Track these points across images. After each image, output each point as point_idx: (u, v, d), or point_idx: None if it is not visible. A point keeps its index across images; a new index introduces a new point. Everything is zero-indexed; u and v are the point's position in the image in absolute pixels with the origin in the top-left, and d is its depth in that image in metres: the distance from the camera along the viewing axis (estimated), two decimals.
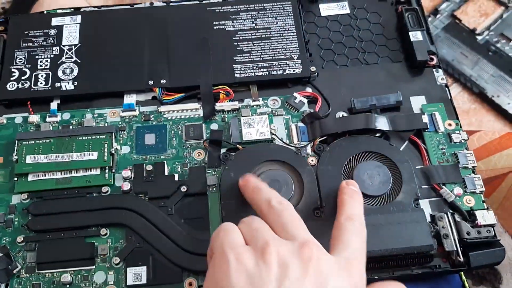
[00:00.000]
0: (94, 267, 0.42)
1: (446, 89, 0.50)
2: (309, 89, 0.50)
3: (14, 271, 0.42)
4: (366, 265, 0.40)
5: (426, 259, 0.42)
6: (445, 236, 0.42)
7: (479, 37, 0.66)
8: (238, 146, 0.46)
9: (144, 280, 0.41)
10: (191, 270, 0.41)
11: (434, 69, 0.52)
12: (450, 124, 0.48)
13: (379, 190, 0.43)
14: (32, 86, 0.50)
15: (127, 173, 0.45)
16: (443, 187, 0.44)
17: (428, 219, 0.43)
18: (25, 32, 0.53)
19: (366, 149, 0.45)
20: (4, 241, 0.43)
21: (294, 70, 0.50)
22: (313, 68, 0.50)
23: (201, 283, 0.41)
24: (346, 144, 0.46)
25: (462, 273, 0.46)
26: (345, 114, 0.48)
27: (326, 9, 0.56)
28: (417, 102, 0.50)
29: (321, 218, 0.42)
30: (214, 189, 0.45)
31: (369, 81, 0.51)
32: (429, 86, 0.51)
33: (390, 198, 0.43)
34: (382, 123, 0.46)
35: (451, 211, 0.43)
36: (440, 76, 0.51)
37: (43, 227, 0.43)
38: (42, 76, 0.50)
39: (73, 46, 0.52)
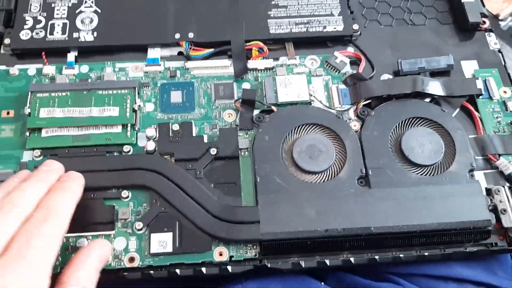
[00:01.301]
0: (113, 232, 0.38)
1: (500, 54, 0.46)
2: (350, 49, 0.46)
3: None
4: (416, 240, 0.37)
5: (482, 235, 0.38)
6: (503, 211, 0.38)
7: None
8: (272, 107, 0.42)
9: (169, 248, 0.37)
10: (222, 238, 0.37)
11: (486, 33, 0.47)
12: (505, 92, 0.44)
13: (430, 159, 0.39)
14: (48, 35, 0.45)
15: (151, 131, 0.41)
16: (500, 158, 0.40)
17: (484, 192, 0.39)
18: None
19: (415, 115, 0.41)
20: None
21: (334, 28, 0.46)
22: (355, 26, 0.46)
23: (233, 252, 0.37)
24: (393, 109, 0.41)
25: None
26: (390, 77, 0.44)
27: None
28: (469, 67, 0.45)
29: (366, 188, 0.38)
30: (246, 153, 0.41)
31: (416, 43, 0.47)
32: (481, 51, 0.47)
33: (442, 168, 0.39)
34: (433, 86, 0.42)
35: (508, 185, 0.39)
36: (493, 40, 0.47)
37: None
38: (58, 25, 0.46)
39: None
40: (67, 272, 0.29)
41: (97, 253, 0.32)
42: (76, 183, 0.35)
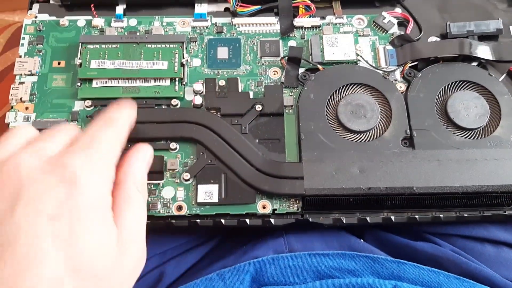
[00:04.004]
0: (162, 181, 0.39)
1: None
2: (398, 10, 0.45)
3: None
4: (456, 201, 0.38)
5: None
6: None
7: None
8: (318, 66, 0.42)
9: (215, 199, 0.38)
10: (266, 192, 0.38)
11: None
12: None
13: (475, 122, 0.39)
14: None
15: (198, 86, 0.42)
16: None
17: None
18: None
19: (462, 78, 0.41)
20: None
21: None
22: None
23: (276, 206, 0.38)
24: (440, 71, 0.41)
25: None
26: (438, 39, 0.44)
27: None
28: None
29: (410, 149, 0.39)
30: (291, 110, 0.41)
31: (465, 6, 0.46)
32: None
33: (487, 132, 0.39)
34: (481, 50, 0.42)
35: None
36: None
37: None
38: None
39: None
40: (122, 169, 0.29)
41: (144, 157, 0.32)
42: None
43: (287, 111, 0.41)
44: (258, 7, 0.46)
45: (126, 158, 0.31)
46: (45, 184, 0.25)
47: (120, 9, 0.46)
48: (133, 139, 0.39)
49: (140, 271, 0.29)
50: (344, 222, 0.38)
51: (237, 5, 0.45)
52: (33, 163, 0.26)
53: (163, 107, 0.41)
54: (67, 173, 0.25)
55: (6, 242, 0.23)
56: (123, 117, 0.32)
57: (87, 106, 0.41)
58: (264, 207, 0.38)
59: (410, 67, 0.42)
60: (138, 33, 0.44)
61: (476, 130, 0.39)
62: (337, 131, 0.40)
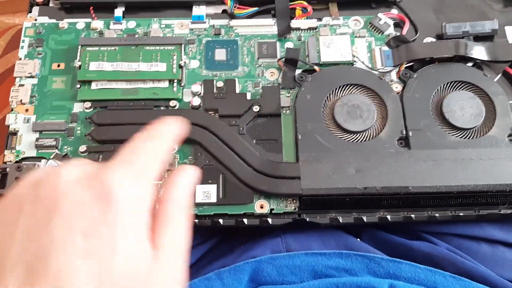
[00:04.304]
0: (161, 182, 0.39)
1: None
2: (394, 11, 0.46)
3: None
4: (452, 201, 0.38)
5: None
6: None
7: None
8: (315, 67, 0.43)
9: (214, 199, 0.38)
10: (263, 192, 0.38)
11: None
12: None
13: (470, 122, 0.40)
14: None
15: (196, 88, 0.42)
16: None
17: None
18: None
19: (457, 78, 0.41)
20: (66, 150, 0.41)
21: None
22: None
23: (273, 206, 0.39)
24: (435, 72, 0.42)
25: None
26: (433, 40, 0.44)
27: None
28: None
29: (406, 149, 0.39)
30: (287, 111, 0.42)
31: (460, 7, 0.46)
32: None
33: (482, 132, 0.40)
34: (476, 51, 0.42)
35: None
36: None
37: (107, 137, 0.40)
38: None
39: None
40: (165, 188, 0.28)
41: (189, 178, 0.30)
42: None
43: (284, 112, 0.42)
44: (256, 9, 0.46)
45: (171, 177, 0.30)
46: (81, 200, 0.24)
47: (119, 11, 0.46)
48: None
49: None
50: (341, 221, 0.39)
51: (235, 7, 0.46)
52: (71, 178, 0.25)
53: (162, 108, 0.42)
54: (103, 189, 0.25)
55: (40, 255, 0.23)
56: (167, 130, 0.30)
57: (86, 108, 0.42)
58: (261, 207, 0.39)
59: (406, 67, 0.43)
60: (136, 35, 0.45)
61: (471, 130, 0.40)
62: (333, 132, 0.40)
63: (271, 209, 0.39)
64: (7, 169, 0.39)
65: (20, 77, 0.43)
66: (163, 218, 0.27)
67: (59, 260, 0.22)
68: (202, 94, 0.42)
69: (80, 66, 0.42)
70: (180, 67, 0.43)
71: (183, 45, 0.43)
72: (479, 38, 0.44)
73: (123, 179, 0.25)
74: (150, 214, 0.26)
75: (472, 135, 0.40)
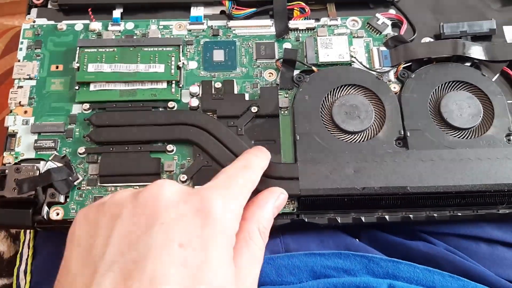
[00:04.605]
0: None
1: None
2: (392, 11, 0.46)
3: (75, 183, 0.40)
4: (450, 201, 0.38)
5: None
6: None
7: None
8: (313, 67, 0.43)
9: None
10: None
11: None
12: None
13: (468, 122, 0.40)
14: None
15: (195, 89, 0.42)
16: None
17: None
18: None
19: (455, 78, 0.41)
20: (64, 151, 0.41)
21: None
22: None
23: None
24: (433, 72, 0.42)
25: None
26: (431, 40, 0.44)
27: None
28: (511, 32, 0.45)
29: (404, 149, 0.39)
30: (286, 112, 0.42)
31: (458, 7, 0.47)
32: None
33: (480, 132, 0.40)
34: (474, 51, 0.42)
35: None
36: None
37: (106, 139, 0.40)
38: None
39: None
40: (250, 210, 0.31)
41: (274, 200, 0.33)
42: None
43: (282, 112, 0.42)
44: (254, 9, 0.46)
45: (257, 198, 0.32)
46: (181, 213, 0.26)
47: (117, 13, 0.46)
48: (130, 142, 0.40)
49: None
50: (339, 222, 0.39)
51: (233, 8, 0.46)
52: (173, 191, 0.27)
53: (160, 109, 0.42)
54: (203, 206, 0.26)
55: (138, 259, 0.24)
56: (259, 163, 0.34)
57: (85, 110, 0.42)
58: None
59: (404, 68, 0.43)
60: (135, 37, 0.45)
61: (470, 130, 0.40)
62: (331, 132, 0.40)
63: None
64: (6, 171, 0.39)
65: (19, 78, 0.43)
66: (243, 238, 0.29)
67: (156, 266, 0.24)
68: (200, 95, 0.42)
69: (78, 68, 0.42)
70: (178, 68, 0.43)
71: (181, 46, 0.43)
72: (477, 38, 0.44)
73: (220, 200, 0.27)
74: (235, 234, 0.28)
75: (470, 135, 0.40)
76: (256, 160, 0.33)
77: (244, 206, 0.30)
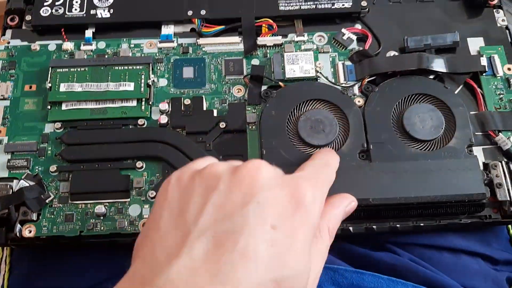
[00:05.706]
0: (129, 200, 0.40)
1: (507, 31, 0.47)
2: (358, 26, 0.47)
3: (47, 201, 0.41)
4: (413, 211, 0.39)
5: (476, 208, 0.39)
6: (499, 185, 0.39)
7: None
8: (280, 83, 0.44)
9: None
10: None
11: (494, 9, 0.48)
12: (509, 69, 0.44)
13: (430, 134, 0.41)
14: (66, 12, 0.47)
15: (164, 106, 0.43)
16: (499, 134, 0.41)
17: (481, 167, 0.40)
18: None
19: (418, 91, 0.42)
20: (37, 170, 0.42)
21: (343, 5, 0.47)
22: (364, 3, 0.47)
23: None
24: (397, 85, 0.43)
25: (510, 226, 0.44)
26: (396, 54, 0.45)
27: None
28: (475, 44, 0.46)
29: (367, 161, 0.40)
30: (253, 127, 0.43)
31: (423, 20, 0.47)
32: (489, 28, 0.47)
33: (442, 143, 0.41)
34: (437, 63, 0.43)
35: (505, 160, 0.41)
36: (501, 17, 0.47)
37: (77, 157, 0.41)
38: (76, 2, 0.48)
39: None
40: (323, 209, 0.31)
41: (346, 205, 0.34)
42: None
43: (250, 127, 0.43)
44: (222, 27, 0.47)
45: (331, 200, 0.33)
46: (278, 196, 0.27)
47: (89, 32, 0.47)
48: (101, 159, 0.41)
49: None
50: None
51: (202, 25, 0.47)
52: (270, 174, 0.28)
53: (130, 127, 0.43)
54: (298, 193, 0.28)
55: (231, 231, 0.25)
56: (335, 164, 0.35)
57: (57, 128, 0.43)
58: None
59: (368, 81, 0.44)
60: (106, 56, 0.46)
61: (432, 142, 0.41)
62: (297, 146, 0.41)
63: None
64: None
65: None
66: (314, 232, 0.29)
67: (249, 241, 0.25)
68: (169, 112, 0.43)
69: (50, 88, 0.43)
70: (148, 86, 0.44)
71: (151, 65, 0.44)
72: (441, 50, 0.45)
73: (311, 190, 0.28)
74: None
75: (432, 146, 0.41)
76: (333, 160, 0.35)
77: None
